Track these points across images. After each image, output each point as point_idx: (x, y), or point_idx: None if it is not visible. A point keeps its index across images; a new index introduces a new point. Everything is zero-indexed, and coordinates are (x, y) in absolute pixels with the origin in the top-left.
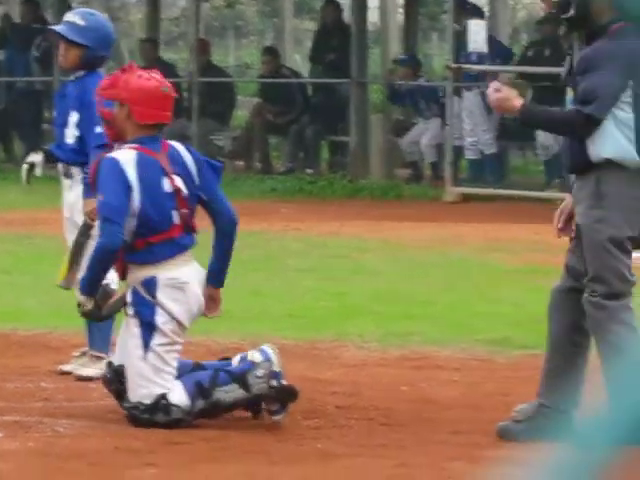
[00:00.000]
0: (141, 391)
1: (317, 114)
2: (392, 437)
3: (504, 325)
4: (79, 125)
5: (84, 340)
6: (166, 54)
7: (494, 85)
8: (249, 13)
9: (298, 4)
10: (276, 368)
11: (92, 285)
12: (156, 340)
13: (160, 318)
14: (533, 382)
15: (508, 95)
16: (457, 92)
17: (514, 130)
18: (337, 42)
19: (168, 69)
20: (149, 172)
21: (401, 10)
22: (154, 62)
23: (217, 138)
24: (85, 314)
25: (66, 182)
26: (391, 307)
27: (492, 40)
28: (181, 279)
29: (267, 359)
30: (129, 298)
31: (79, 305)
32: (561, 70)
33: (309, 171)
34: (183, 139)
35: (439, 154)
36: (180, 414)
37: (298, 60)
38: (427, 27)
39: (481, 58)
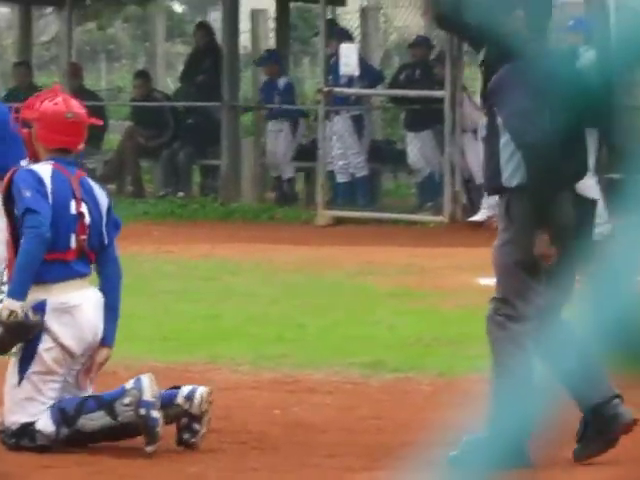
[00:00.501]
0: (11, 417)
1: (189, 137)
2: (265, 461)
3: (377, 348)
4: None
5: None
6: (39, 79)
7: None
8: (121, 37)
9: (170, 28)
10: (147, 397)
11: (24, 289)
12: (33, 368)
13: (43, 345)
14: (406, 405)
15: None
16: (327, 116)
17: (385, 153)
18: (209, 64)
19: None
20: (60, 188)
21: (272, 35)
22: (27, 86)
23: (89, 161)
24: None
25: None
26: (264, 330)
27: (363, 63)
28: (71, 303)
29: (138, 387)
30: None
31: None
32: (432, 93)
33: (180, 194)
34: None
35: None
36: (45, 440)
37: (170, 83)
38: (298, 51)
39: (351, 81)
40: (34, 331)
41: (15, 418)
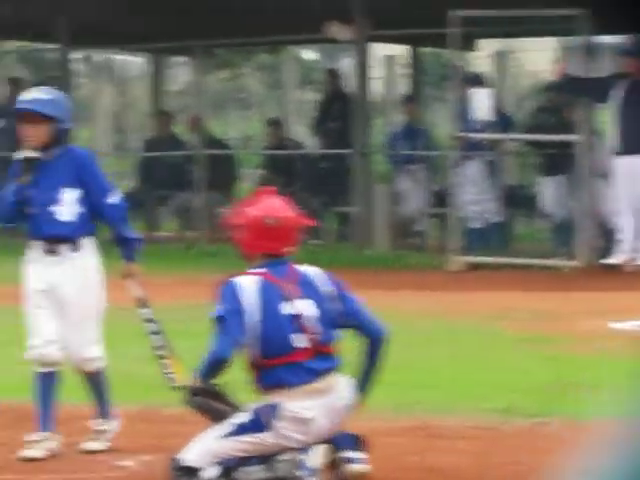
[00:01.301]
0: (190, 455)
1: (321, 185)
2: None
3: (512, 393)
4: (81, 200)
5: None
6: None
7: None
8: (252, 84)
9: (301, 75)
10: (309, 463)
11: (207, 377)
12: (245, 439)
13: (266, 435)
14: (542, 451)
15: None
16: (460, 161)
17: (519, 198)
18: (337, 111)
19: (177, 143)
20: (268, 296)
21: (402, 80)
22: (168, 135)
23: (222, 210)
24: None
25: (55, 259)
26: (399, 376)
27: (495, 108)
28: (306, 414)
29: (303, 451)
30: (248, 417)
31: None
32: (565, 137)
33: (314, 241)
34: (188, 212)
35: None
36: None
37: (301, 131)
38: (429, 96)
39: (484, 126)
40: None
41: (193, 458)
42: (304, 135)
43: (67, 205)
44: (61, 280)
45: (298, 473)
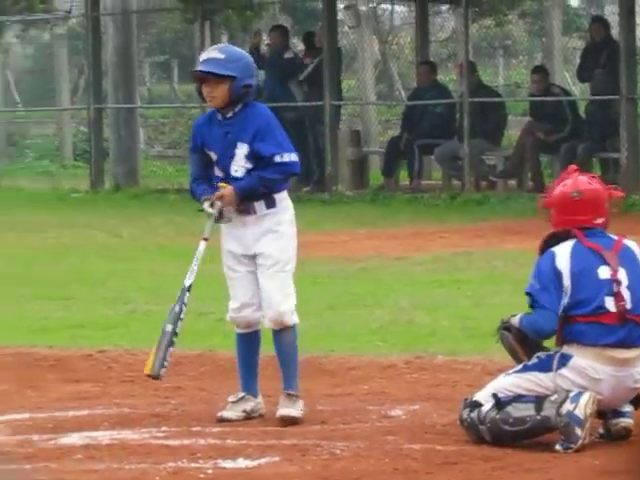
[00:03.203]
0: (480, 393)
1: (587, 131)
2: None
3: None
4: (249, 157)
5: (359, 363)
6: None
7: None
8: (517, 32)
9: (566, 22)
10: (577, 411)
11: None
12: (527, 375)
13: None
14: None
15: None
16: None
17: None
18: (605, 59)
19: (443, 91)
20: (583, 260)
21: None
22: (431, 84)
23: (488, 158)
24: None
25: (245, 219)
26: None
27: None
28: (595, 375)
29: (574, 397)
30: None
31: None
32: None
33: None
34: (455, 159)
35: None
36: (474, 418)
37: (567, 78)
38: None
39: None
40: None
41: (481, 395)
42: (570, 82)
43: (240, 161)
44: (253, 238)
45: (564, 418)
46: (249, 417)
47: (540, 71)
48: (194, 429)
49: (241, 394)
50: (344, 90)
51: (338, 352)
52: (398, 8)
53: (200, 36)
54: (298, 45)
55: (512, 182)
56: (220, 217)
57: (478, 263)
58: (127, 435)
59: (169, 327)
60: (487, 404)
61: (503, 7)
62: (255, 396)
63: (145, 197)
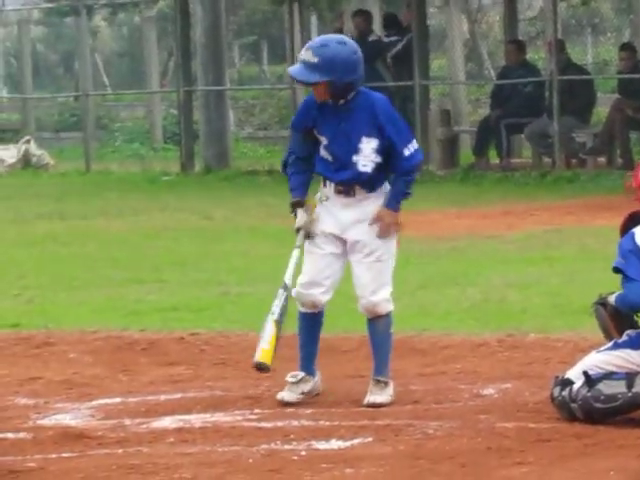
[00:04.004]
0: (571, 370)
1: None
2: None
3: None
4: (378, 151)
5: (451, 342)
6: (527, 55)
7: None
8: (605, 10)
9: None
10: None
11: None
12: (617, 352)
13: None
14: None
15: None
16: None
17: None
18: None
19: (532, 70)
20: None
21: None
22: (520, 63)
23: (578, 135)
24: None
25: (345, 200)
26: None
27: None
28: None
29: None
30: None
31: None
32: None
33: None
34: (544, 137)
35: None
36: (570, 397)
37: None
38: None
39: None
40: None
41: (572, 372)
42: None
43: (369, 156)
44: (351, 223)
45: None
46: (307, 397)
47: (628, 48)
48: (287, 411)
49: (300, 374)
50: (434, 70)
51: (430, 331)
52: None
53: (289, 17)
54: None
55: (602, 159)
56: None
57: (569, 240)
58: (220, 418)
59: (278, 317)
60: (578, 381)
61: None
62: (313, 376)
63: (236, 179)
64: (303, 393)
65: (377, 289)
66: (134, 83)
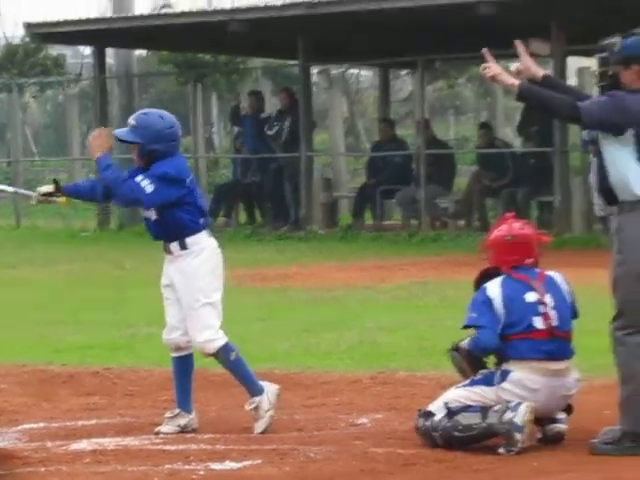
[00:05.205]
0: (432, 404)
1: (526, 178)
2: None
3: None
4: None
5: (330, 378)
6: (397, 131)
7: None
8: (466, 94)
9: None
10: (517, 419)
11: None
12: (474, 389)
13: (501, 387)
14: None
15: (497, 71)
16: None
17: None
18: (540, 116)
19: (402, 144)
20: (513, 287)
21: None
22: (390, 139)
23: (441, 201)
24: None
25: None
26: (595, 341)
27: None
28: (532, 385)
29: (514, 408)
30: (482, 375)
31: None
32: None
33: None
34: (412, 202)
35: None
36: (428, 426)
37: (509, 133)
38: None
39: None
40: None
41: (433, 405)
42: (511, 136)
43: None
44: (173, 274)
45: (506, 425)
46: (183, 431)
47: (485, 127)
48: (187, 436)
49: (177, 410)
50: (317, 143)
51: (313, 369)
52: (364, 72)
53: (193, 96)
54: (277, 105)
55: (461, 222)
56: None
57: (433, 291)
58: (130, 441)
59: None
60: (439, 414)
61: (453, 72)
62: (189, 412)
63: (146, 235)
64: (179, 426)
65: (199, 333)
66: (59, 151)
